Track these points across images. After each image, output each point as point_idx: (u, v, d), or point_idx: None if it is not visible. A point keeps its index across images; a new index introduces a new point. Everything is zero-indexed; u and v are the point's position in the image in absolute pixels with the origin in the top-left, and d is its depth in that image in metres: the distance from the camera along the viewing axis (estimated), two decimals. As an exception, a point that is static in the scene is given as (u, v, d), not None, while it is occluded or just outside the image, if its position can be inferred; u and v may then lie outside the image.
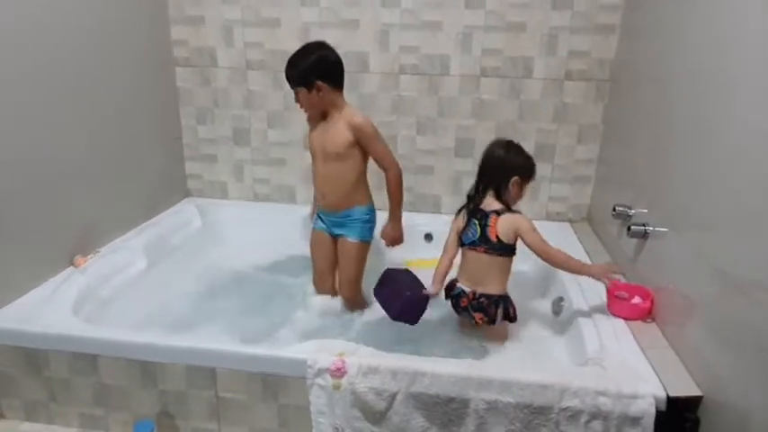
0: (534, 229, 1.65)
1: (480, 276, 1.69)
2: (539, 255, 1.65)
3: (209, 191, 2.60)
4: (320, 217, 1.94)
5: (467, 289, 1.70)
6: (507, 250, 1.67)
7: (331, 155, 1.79)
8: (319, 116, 1.83)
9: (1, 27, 1.52)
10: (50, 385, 1.53)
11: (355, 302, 1.94)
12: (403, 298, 1.65)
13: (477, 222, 1.69)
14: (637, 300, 1.58)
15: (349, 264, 1.90)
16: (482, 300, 1.68)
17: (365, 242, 1.90)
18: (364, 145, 1.78)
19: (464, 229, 1.72)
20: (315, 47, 1.77)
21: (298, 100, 1.80)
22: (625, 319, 1.56)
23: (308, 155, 2.47)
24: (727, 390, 1.16)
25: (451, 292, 1.75)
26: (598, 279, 1.61)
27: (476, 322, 1.70)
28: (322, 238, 1.95)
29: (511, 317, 1.70)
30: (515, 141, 1.73)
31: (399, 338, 1.71)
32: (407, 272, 1.77)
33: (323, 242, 1.95)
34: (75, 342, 1.47)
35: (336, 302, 1.95)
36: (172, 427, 1.51)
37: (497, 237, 1.65)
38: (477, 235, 1.68)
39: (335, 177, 1.82)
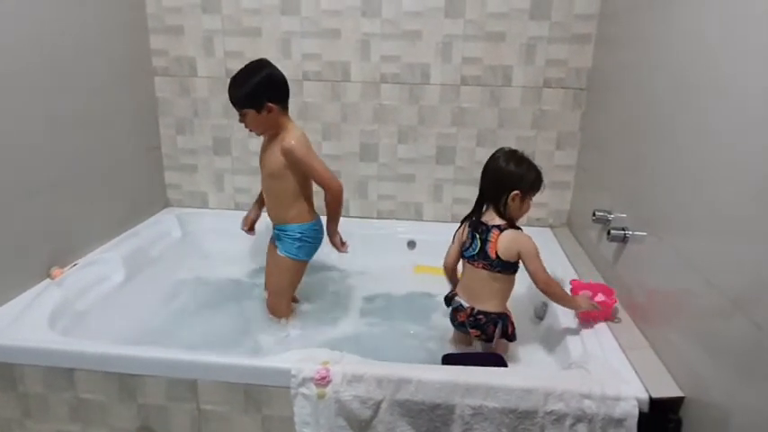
0: (538, 255, 1.57)
1: (479, 292, 1.64)
2: (537, 283, 1.57)
3: (189, 201, 2.57)
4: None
5: (465, 304, 1.66)
6: (507, 268, 1.61)
7: (270, 173, 1.80)
8: (269, 134, 1.82)
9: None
10: (25, 401, 1.48)
11: (277, 312, 1.91)
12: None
13: (477, 236, 1.63)
14: (601, 297, 1.60)
15: (273, 274, 1.91)
16: (480, 317, 1.62)
17: (292, 259, 1.86)
18: (300, 167, 1.77)
19: (465, 241, 1.68)
20: (262, 65, 1.73)
21: (243, 121, 1.75)
22: (594, 320, 1.58)
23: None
24: (708, 390, 1.18)
25: (450, 304, 1.72)
26: (586, 309, 1.58)
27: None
28: (271, 247, 1.95)
29: (509, 335, 1.64)
30: (520, 151, 1.64)
31: (386, 349, 1.71)
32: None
33: (271, 249, 1.95)
34: (50, 355, 1.43)
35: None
36: (152, 442, 1.47)
37: (497, 254, 1.59)
38: (477, 250, 1.63)
39: (274, 194, 1.85)
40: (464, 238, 1.69)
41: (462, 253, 1.70)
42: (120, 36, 2.15)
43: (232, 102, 1.74)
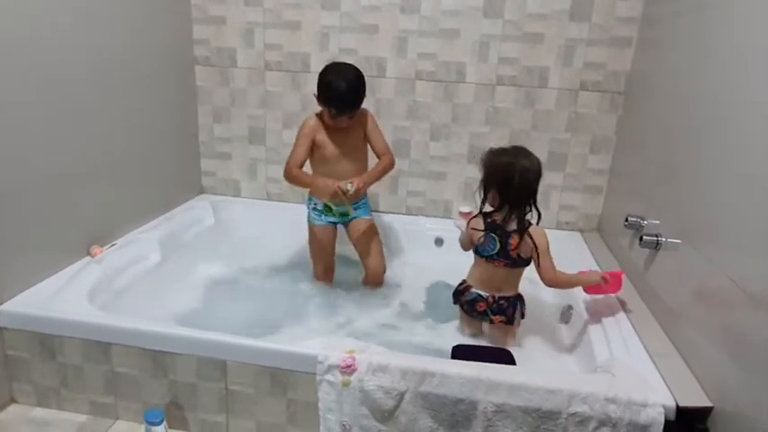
0: (549, 251, 1.64)
1: (499, 284, 1.71)
2: (543, 279, 1.64)
3: (223, 188, 2.63)
4: (328, 212, 2.01)
5: (485, 294, 1.71)
6: (526, 262, 1.68)
7: (357, 150, 2.00)
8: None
9: (25, 23, 1.56)
10: (63, 371, 1.55)
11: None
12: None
13: (496, 238, 1.65)
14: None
15: (375, 240, 2.09)
16: (502, 302, 1.69)
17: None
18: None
19: (481, 242, 1.69)
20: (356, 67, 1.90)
21: (353, 117, 1.88)
22: (605, 293, 1.68)
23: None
24: (738, 401, 1.17)
25: (463, 297, 1.75)
26: (597, 281, 1.65)
27: (492, 323, 1.73)
28: (332, 232, 2.07)
29: (522, 314, 1.73)
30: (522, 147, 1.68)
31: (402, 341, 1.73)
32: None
33: (355, 226, 2.07)
34: (89, 329, 1.50)
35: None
36: (180, 419, 1.52)
37: (518, 254, 1.65)
38: (496, 250, 1.66)
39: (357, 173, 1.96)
40: (479, 240, 1.69)
41: (476, 249, 1.71)
42: (165, 25, 2.22)
43: (358, 104, 1.86)
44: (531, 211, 1.65)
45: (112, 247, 1.90)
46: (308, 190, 2.05)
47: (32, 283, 1.65)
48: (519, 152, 1.64)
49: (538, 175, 1.61)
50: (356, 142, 1.97)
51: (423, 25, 2.25)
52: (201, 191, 2.64)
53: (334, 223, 2.06)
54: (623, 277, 1.68)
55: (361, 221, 2.05)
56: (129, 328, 1.48)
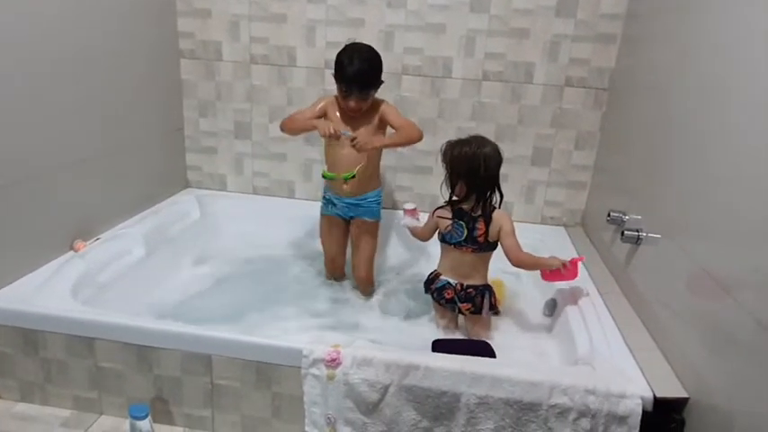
0: (513, 233, 1.70)
1: (467, 271, 1.76)
2: (510, 259, 1.70)
3: (209, 183, 2.62)
4: (333, 202, 2.02)
5: (453, 281, 1.76)
6: (493, 246, 1.74)
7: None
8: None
9: (7, 17, 1.53)
10: (47, 366, 1.54)
11: (372, 283, 2.10)
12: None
13: (463, 225, 1.72)
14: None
15: (369, 244, 2.05)
16: (469, 290, 1.74)
17: (379, 221, 2.06)
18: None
19: (448, 230, 1.75)
20: (370, 47, 1.87)
21: (364, 100, 1.84)
22: (562, 279, 1.69)
23: (308, 150, 2.50)
24: (712, 392, 1.19)
25: (433, 285, 1.79)
26: (558, 266, 1.68)
27: (461, 312, 1.77)
28: (350, 223, 2.06)
29: (493, 306, 1.76)
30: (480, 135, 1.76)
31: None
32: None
33: (356, 225, 2.04)
34: (72, 324, 1.49)
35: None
36: (166, 413, 1.52)
37: (486, 239, 1.71)
38: (464, 236, 1.72)
39: (365, 166, 1.90)
40: (447, 229, 1.75)
41: (443, 238, 1.77)
42: (149, 17, 2.19)
43: (370, 84, 1.83)
44: (494, 194, 1.72)
45: (96, 242, 1.89)
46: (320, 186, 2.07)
47: (15, 278, 1.64)
48: (479, 141, 1.71)
49: (499, 160, 1.70)
50: (368, 130, 1.90)
51: (409, 20, 2.25)
52: (187, 185, 2.63)
53: (341, 216, 2.04)
54: (580, 264, 1.71)
55: (363, 222, 2.02)
56: (113, 322, 1.47)
